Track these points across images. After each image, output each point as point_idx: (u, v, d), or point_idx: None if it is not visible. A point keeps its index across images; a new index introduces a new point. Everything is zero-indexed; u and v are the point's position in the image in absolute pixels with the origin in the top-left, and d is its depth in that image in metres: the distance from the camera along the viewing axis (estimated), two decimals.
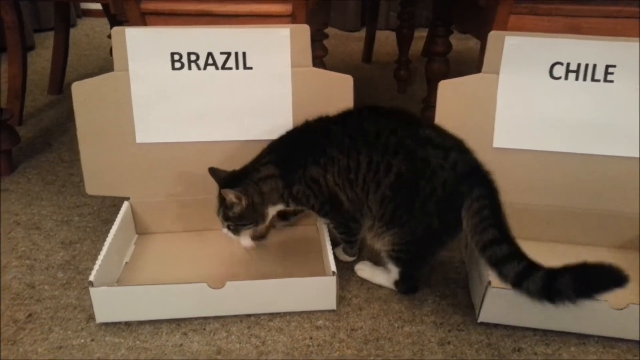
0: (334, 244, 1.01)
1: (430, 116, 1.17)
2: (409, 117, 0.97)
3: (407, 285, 0.99)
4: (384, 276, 1.01)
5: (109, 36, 2.07)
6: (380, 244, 0.96)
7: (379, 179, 0.91)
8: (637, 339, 0.88)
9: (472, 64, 2.22)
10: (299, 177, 0.95)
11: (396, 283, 1.00)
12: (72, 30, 2.01)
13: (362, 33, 2.77)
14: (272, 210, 1.00)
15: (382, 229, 0.94)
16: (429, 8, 2.53)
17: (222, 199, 0.97)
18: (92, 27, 2.82)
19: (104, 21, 2.81)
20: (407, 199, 0.90)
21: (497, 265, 0.83)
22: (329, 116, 0.98)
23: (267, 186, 0.96)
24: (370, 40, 2.31)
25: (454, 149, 0.91)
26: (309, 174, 0.95)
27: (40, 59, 2.26)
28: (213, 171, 1.01)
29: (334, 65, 1.10)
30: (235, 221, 0.97)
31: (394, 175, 0.90)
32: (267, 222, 1.01)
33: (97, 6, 2.72)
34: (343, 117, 0.97)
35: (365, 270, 1.04)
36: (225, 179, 0.98)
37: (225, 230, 0.99)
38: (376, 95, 2.02)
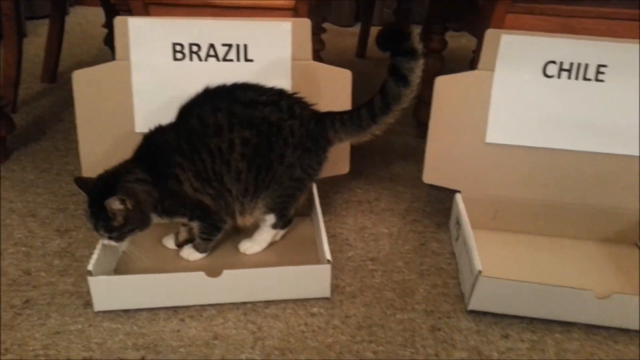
0: (328, 235, 1.03)
1: (424, 112, 1.19)
2: (220, 89, 0.97)
3: (284, 221, 1.05)
4: (264, 233, 1.05)
5: (104, 25, 2.06)
6: (256, 214, 1.02)
7: (227, 159, 0.94)
8: (618, 326, 0.92)
9: (464, 62, 2.25)
10: (165, 190, 0.93)
11: (274, 225, 1.04)
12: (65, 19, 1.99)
13: (356, 28, 2.78)
14: (153, 216, 0.94)
15: (254, 201, 0.99)
16: (422, 5, 2.55)
17: (98, 212, 0.87)
18: (85, 16, 2.79)
19: (97, 10, 2.79)
20: (263, 161, 0.96)
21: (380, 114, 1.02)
22: (162, 125, 0.96)
23: (144, 187, 0.91)
24: (364, 36, 2.33)
25: (284, 99, 0.97)
26: (170, 188, 0.94)
27: (33, 46, 2.23)
28: (80, 182, 0.91)
29: (328, 60, 1.12)
30: (122, 229, 0.89)
31: (239, 146, 0.94)
32: (148, 227, 0.94)
33: None
34: (174, 124, 0.96)
35: (252, 244, 1.06)
36: (95, 189, 0.89)
37: (106, 241, 0.91)
38: (370, 90, 2.04)
